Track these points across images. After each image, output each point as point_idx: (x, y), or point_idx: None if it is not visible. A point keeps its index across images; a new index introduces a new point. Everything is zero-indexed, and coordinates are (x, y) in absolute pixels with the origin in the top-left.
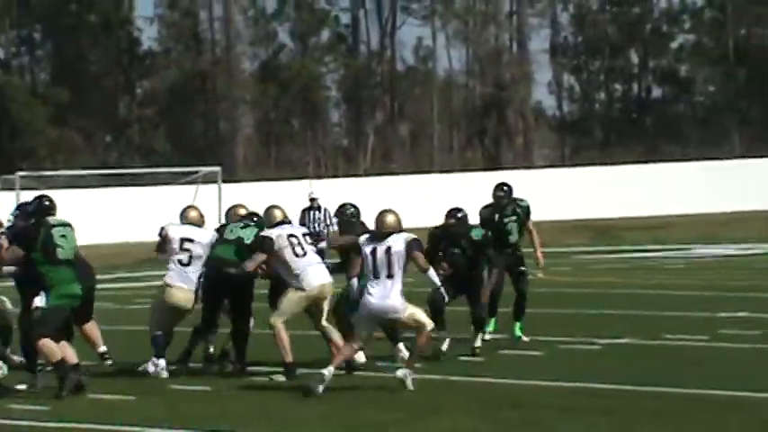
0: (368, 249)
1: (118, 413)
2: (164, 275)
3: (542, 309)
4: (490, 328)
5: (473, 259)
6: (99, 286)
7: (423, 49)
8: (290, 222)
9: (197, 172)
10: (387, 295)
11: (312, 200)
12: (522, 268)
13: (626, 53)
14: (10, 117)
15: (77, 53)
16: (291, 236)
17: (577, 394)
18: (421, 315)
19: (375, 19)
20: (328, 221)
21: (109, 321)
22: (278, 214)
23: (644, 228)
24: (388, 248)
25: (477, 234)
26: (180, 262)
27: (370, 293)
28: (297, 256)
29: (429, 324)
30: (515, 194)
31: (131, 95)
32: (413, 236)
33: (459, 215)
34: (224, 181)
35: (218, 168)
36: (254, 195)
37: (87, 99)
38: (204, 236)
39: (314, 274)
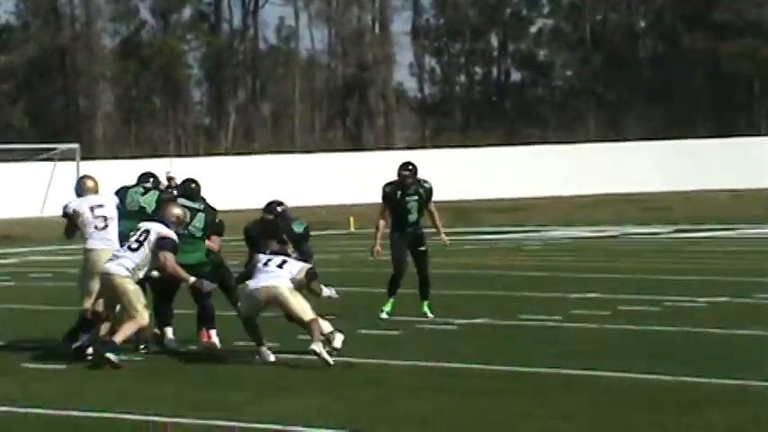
0: None
1: None
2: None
3: (401, 290)
4: (388, 308)
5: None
6: None
7: (285, 28)
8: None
9: (55, 149)
10: None
11: (170, 179)
12: (422, 248)
13: (486, 36)
14: None
15: None
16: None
17: (432, 374)
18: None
19: None
20: None
21: None
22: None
23: (502, 210)
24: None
25: (298, 227)
26: (96, 227)
27: None
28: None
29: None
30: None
31: None
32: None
33: (280, 209)
34: (82, 158)
35: (76, 146)
36: (113, 173)
37: None
38: (109, 200)
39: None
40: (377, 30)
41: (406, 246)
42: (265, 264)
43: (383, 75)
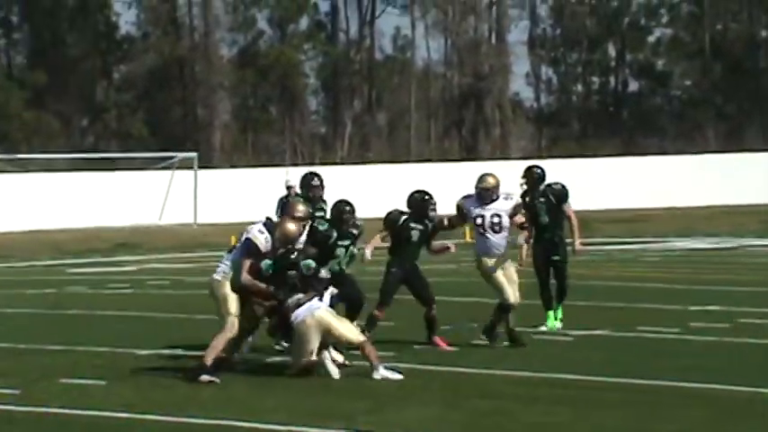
0: None
1: (88, 398)
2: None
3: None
4: (550, 323)
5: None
6: (72, 271)
7: (401, 38)
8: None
9: (173, 157)
10: None
11: (289, 188)
12: (556, 257)
13: (604, 46)
14: None
15: (55, 36)
16: None
17: (546, 385)
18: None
19: (354, 7)
20: None
21: (83, 306)
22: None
23: (620, 221)
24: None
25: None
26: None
27: None
28: None
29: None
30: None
31: (109, 80)
32: None
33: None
34: (200, 167)
35: (194, 154)
36: (230, 182)
37: (64, 83)
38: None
39: None
40: (493, 40)
41: (544, 255)
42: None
43: (499, 85)
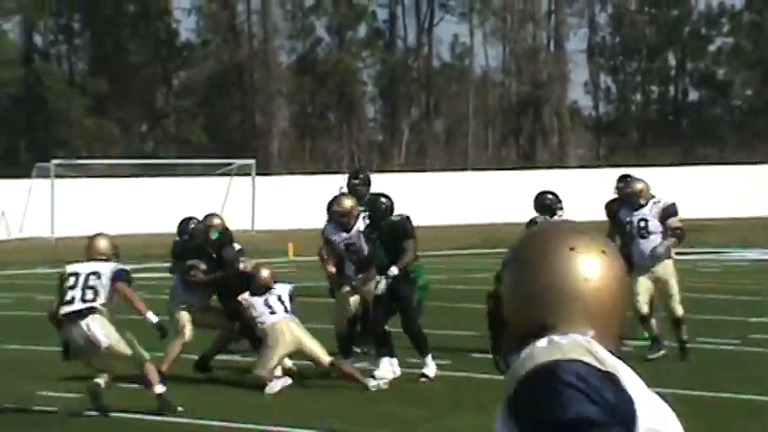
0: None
1: (148, 401)
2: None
3: None
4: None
5: None
6: (132, 276)
7: (459, 46)
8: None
9: (231, 164)
10: None
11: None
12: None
13: (663, 55)
14: (47, 106)
15: (116, 43)
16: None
17: None
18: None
19: (412, 15)
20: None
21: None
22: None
23: None
24: None
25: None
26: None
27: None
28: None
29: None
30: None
31: (168, 86)
32: None
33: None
34: (258, 174)
35: (252, 161)
36: (288, 189)
37: (125, 89)
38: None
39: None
40: (552, 47)
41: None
42: None
43: (558, 93)
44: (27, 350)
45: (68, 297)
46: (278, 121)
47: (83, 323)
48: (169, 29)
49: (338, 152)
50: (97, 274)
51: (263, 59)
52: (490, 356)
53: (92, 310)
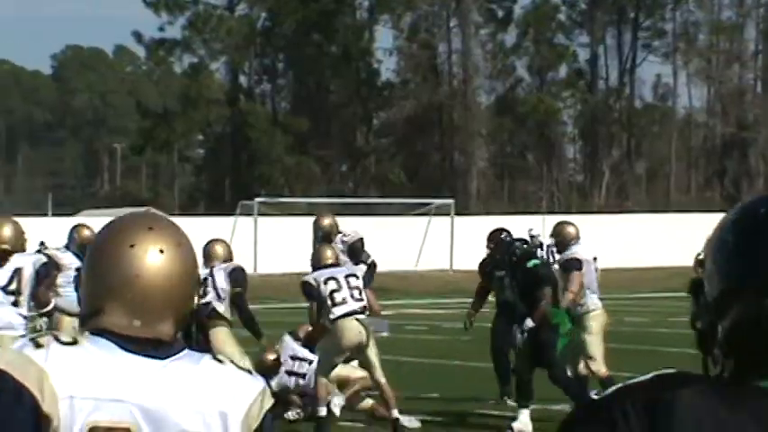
0: None
1: None
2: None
3: None
4: None
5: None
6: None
7: (662, 86)
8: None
9: (430, 204)
10: None
11: (532, 237)
12: None
13: None
14: (250, 144)
15: (318, 83)
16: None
17: None
18: None
19: (614, 55)
20: (550, 259)
21: None
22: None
23: None
24: None
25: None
26: None
27: None
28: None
29: None
30: None
31: (368, 126)
32: None
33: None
34: (457, 213)
35: (451, 201)
36: (486, 229)
37: (326, 128)
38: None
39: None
40: (758, 88)
41: None
42: None
43: (765, 134)
44: None
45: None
46: (477, 160)
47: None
48: (370, 69)
49: (537, 193)
50: (355, 276)
51: (462, 99)
52: None
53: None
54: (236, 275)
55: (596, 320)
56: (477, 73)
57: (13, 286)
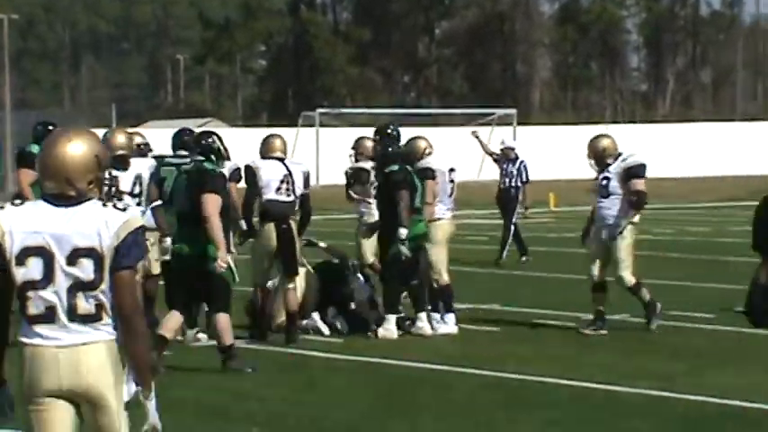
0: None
1: (404, 350)
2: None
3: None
4: None
5: None
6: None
7: None
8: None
9: (493, 114)
10: None
11: (504, 150)
12: None
13: None
14: (312, 55)
15: None
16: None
17: None
18: None
19: None
20: (523, 174)
21: None
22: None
23: None
24: None
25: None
26: None
27: None
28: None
29: None
30: None
31: (430, 36)
32: None
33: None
34: (519, 123)
35: (513, 111)
36: (549, 139)
37: (387, 39)
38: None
39: None
40: None
41: None
42: None
43: None
44: None
45: None
46: (539, 70)
47: None
48: None
49: (601, 102)
50: None
51: (525, 9)
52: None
53: None
54: (236, 175)
55: (441, 229)
56: None
57: (137, 190)
